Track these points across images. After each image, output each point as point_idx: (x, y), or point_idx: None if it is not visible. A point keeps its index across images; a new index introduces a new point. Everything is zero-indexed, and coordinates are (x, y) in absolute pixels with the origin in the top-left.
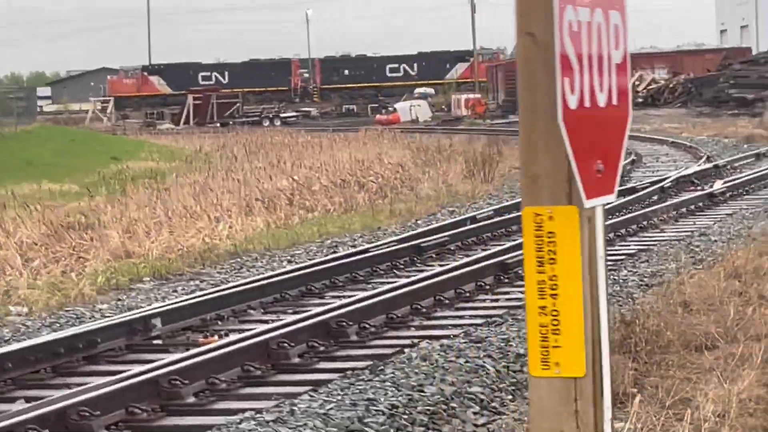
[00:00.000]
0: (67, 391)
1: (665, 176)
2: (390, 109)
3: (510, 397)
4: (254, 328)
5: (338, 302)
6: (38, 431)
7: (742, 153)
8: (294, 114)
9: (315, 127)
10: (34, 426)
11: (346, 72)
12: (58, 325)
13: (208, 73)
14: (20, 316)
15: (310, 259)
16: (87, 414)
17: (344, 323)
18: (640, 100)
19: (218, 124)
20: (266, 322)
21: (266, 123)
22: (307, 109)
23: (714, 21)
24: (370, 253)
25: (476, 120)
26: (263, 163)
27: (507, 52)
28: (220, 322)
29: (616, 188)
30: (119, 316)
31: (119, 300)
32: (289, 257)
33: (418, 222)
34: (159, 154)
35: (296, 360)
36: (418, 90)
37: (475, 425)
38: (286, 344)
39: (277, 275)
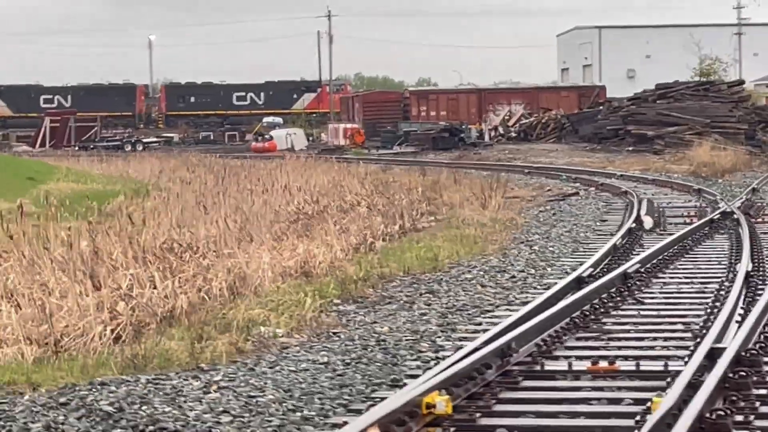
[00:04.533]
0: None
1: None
2: (267, 137)
3: None
4: (578, 355)
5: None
6: None
7: (738, 188)
8: (156, 140)
9: (182, 152)
10: None
11: (192, 99)
12: (342, 347)
13: (51, 96)
14: (284, 337)
15: (499, 284)
16: None
17: (756, 353)
18: (513, 134)
19: (76, 147)
20: (590, 347)
21: (128, 147)
22: (168, 135)
23: (555, 59)
24: (598, 282)
25: (361, 149)
26: (241, 186)
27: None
28: (545, 347)
29: None
30: (479, 341)
31: (355, 322)
32: (466, 281)
33: (534, 248)
34: (74, 176)
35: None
36: (266, 119)
37: None
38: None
39: (548, 303)
